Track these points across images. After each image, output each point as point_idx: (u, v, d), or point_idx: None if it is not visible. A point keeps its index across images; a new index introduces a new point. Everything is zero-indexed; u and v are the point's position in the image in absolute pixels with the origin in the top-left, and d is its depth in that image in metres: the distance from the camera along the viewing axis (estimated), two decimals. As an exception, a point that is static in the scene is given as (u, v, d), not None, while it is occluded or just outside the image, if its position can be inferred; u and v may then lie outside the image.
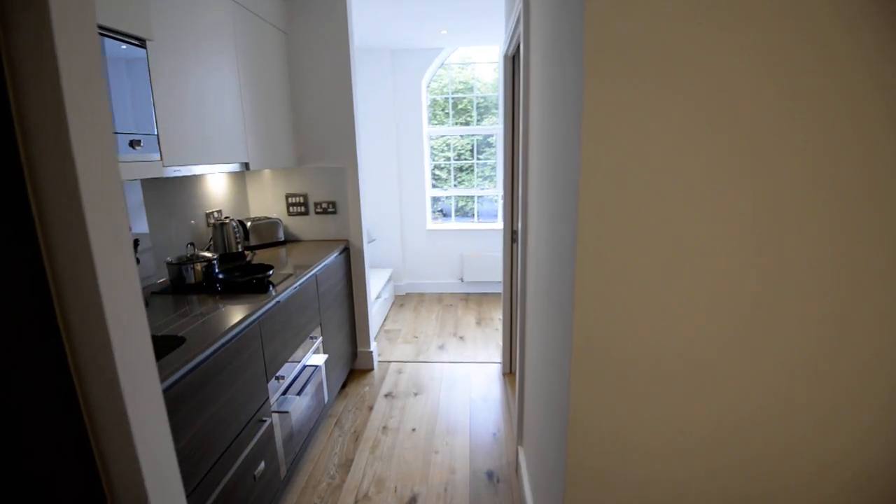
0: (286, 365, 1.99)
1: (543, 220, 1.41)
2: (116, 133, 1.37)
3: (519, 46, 2.10)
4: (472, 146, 5.11)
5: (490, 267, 4.88)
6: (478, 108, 5.06)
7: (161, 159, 1.61)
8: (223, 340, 1.51)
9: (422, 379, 3.00)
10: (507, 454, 2.24)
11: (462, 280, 4.99)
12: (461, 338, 3.90)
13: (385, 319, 4.37)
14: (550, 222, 1.28)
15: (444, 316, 4.41)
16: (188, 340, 1.44)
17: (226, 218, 2.43)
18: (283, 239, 2.82)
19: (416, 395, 2.80)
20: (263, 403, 1.77)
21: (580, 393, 0.98)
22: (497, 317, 4.36)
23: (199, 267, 1.98)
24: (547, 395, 1.36)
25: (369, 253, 4.96)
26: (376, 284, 4.30)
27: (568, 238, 1.00)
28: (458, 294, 5.02)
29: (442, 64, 4.85)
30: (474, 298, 4.87)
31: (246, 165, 2.22)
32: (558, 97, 1.13)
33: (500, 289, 5.01)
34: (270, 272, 2.01)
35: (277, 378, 1.90)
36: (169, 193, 2.21)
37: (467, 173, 5.26)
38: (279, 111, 2.61)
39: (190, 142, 1.79)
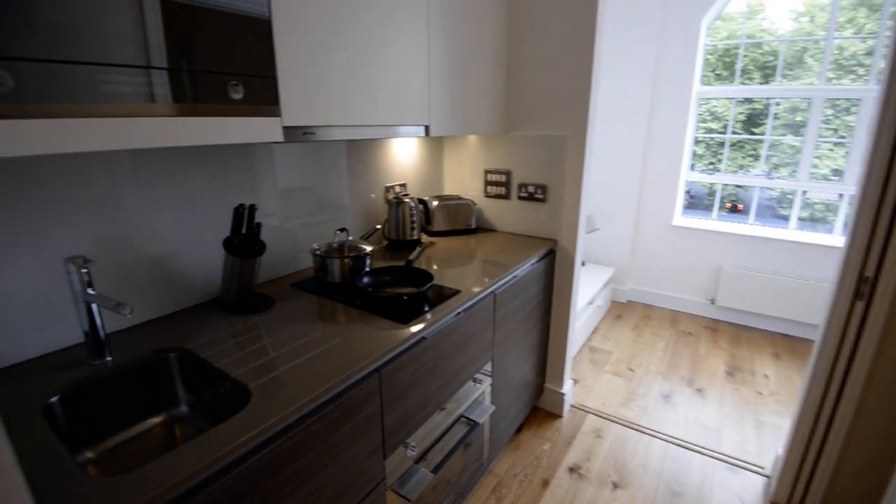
0: (426, 423, 1.37)
1: None
2: (162, 69, 0.85)
3: None
4: (763, 113, 3.48)
5: (761, 293, 3.35)
6: (763, 67, 3.40)
7: (280, 115, 1.08)
8: (306, 411, 0.94)
9: (629, 460, 2.04)
10: None
11: (713, 302, 3.60)
12: (699, 391, 2.71)
13: (593, 332, 3.43)
14: None
15: (676, 347, 3.21)
16: (254, 399, 0.91)
17: (404, 195, 1.91)
18: (474, 227, 2.18)
19: (615, 486, 1.88)
20: (374, 489, 1.18)
21: None
22: (761, 371, 2.94)
23: (345, 262, 1.49)
24: None
25: (587, 244, 4.00)
26: (590, 287, 3.37)
27: None
28: (704, 319, 3.66)
29: (739, -5, 3.33)
30: (727, 332, 3.45)
31: (426, 130, 1.60)
32: None
33: (769, 326, 3.43)
34: (427, 286, 1.38)
35: (406, 446, 1.29)
36: (350, 157, 1.78)
37: (734, 150, 3.69)
38: (483, 52, 1.88)
39: (337, 93, 1.23)
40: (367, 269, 1.53)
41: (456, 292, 1.45)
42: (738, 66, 3.49)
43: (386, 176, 1.98)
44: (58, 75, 0.71)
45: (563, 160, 1.97)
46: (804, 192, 3.39)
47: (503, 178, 2.15)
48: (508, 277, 1.68)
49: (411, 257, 1.59)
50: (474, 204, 2.17)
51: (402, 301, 1.34)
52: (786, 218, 3.62)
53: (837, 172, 3.31)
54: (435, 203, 2.08)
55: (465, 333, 1.47)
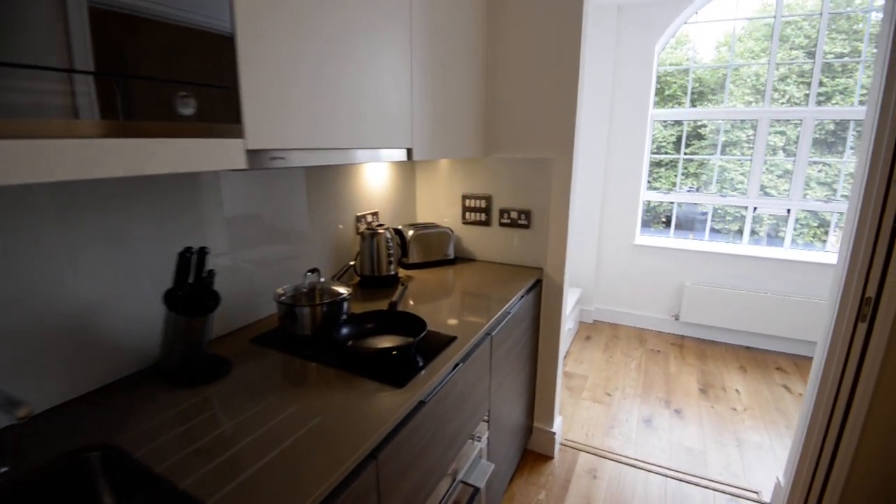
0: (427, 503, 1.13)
1: None
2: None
3: None
4: (691, 135, 3.58)
5: (722, 307, 3.38)
6: (691, 93, 3.54)
7: (243, 136, 0.84)
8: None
9: (629, 502, 1.89)
10: None
11: (677, 318, 3.60)
12: (677, 412, 2.64)
13: (565, 356, 3.31)
14: None
15: (648, 367, 3.15)
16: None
17: (378, 226, 1.68)
18: (452, 256, 1.98)
19: (622, 536, 1.71)
20: None
21: None
22: (732, 386, 2.92)
23: (318, 311, 1.23)
24: None
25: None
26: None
27: None
28: (669, 336, 3.65)
29: (685, 22, 3.43)
30: (693, 347, 3.45)
31: (408, 153, 1.39)
32: None
33: (732, 340, 3.45)
34: (421, 336, 1.15)
35: (406, 537, 1.04)
36: (313, 184, 1.53)
37: (668, 169, 3.80)
38: (463, 71, 1.72)
39: (313, 111, 1.00)
40: (345, 315, 1.28)
41: (451, 339, 1.24)
42: (689, 90, 3.59)
43: (355, 204, 1.74)
44: None
45: (549, 184, 1.82)
46: (755, 209, 3.50)
47: (483, 204, 1.97)
48: (502, 314, 1.49)
49: (394, 298, 1.35)
50: (452, 232, 1.97)
51: (390, 357, 1.11)
52: (719, 231, 3.74)
53: (761, 187, 3.46)
54: (411, 232, 1.87)
55: (465, 387, 1.25)
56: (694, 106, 3.58)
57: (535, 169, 1.84)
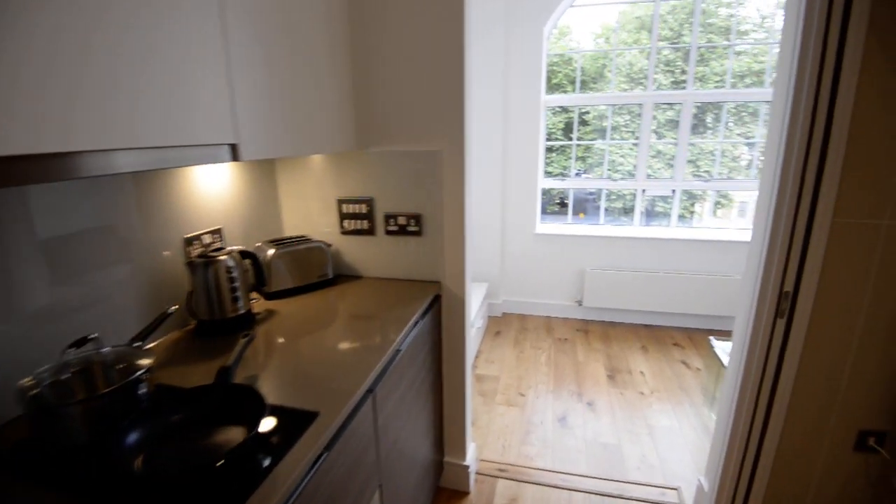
0: None
1: None
2: None
3: None
4: (578, 122, 3.54)
5: (620, 289, 3.37)
6: (573, 81, 3.53)
7: None
8: None
9: (554, 528, 1.68)
10: None
11: (580, 304, 3.55)
12: (590, 405, 2.54)
13: (476, 357, 3.08)
14: None
15: (557, 358, 3.04)
16: None
17: (216, 249, 1.22)
18: (331, 276, 1.58)
19: (551, 583, 1.49)
20: None
21: None
22: (637, 368, 2.91)
23: (93, 408, 0.77)
24: None
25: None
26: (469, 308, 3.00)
27: None
28: (574, 322, 3.59)
29: (571, 5, 3.30)
30: (597, 331, 3.42)
31: (233, 151, 0.96)
32: None
33: (632, 319, 3.48)
34: (258, 425, 0.75)
35: None
36: (124, 194, 1.03)
37: (559, 154, 3.79)
38: (321, 46, 1.30)
39: (23, 87, 0.55)
40: (144, 402, 0.83)
41: (311, 417, 0.86)
42: (578, 77, 3.51)
43: (185, 222, 1.26)
44: None
45: (441, 181, 1.49)
46: (644, 191, 3.53)
47: (364, 209, 1.58)
48: (390, 355, 1.14)
49: (228, 363, 0.93)
50: (328, 245, 1.56)
51: (211, 474, 0.70)
52: (607, 210, 3.80)
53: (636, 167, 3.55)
54: (271, 252, 1.42)
55: (338, 475, 0.88)
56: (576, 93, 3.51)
57: (423, 164, 1.49)
